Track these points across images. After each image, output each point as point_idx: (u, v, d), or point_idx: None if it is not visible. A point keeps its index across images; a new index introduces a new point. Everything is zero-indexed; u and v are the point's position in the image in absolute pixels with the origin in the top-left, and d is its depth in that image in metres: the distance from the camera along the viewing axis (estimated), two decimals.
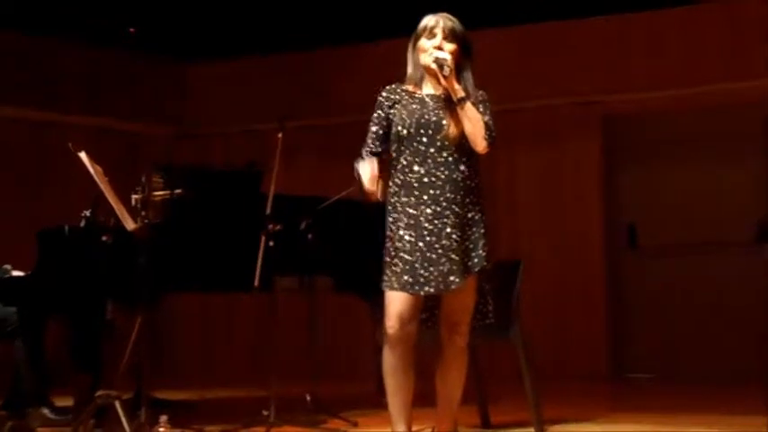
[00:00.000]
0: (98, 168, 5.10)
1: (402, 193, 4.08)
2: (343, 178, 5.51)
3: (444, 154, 4.06)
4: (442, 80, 4.05)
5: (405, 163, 4.08)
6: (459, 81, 4.07)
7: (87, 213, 5.59)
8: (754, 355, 7.12)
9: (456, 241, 4.03)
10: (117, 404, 4.79)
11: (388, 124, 4.14)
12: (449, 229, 4.03)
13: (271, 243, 5.19)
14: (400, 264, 4.03)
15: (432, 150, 4.06)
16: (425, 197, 4.04)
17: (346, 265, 5.93)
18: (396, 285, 4.02)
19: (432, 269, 4.00)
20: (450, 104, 4.06)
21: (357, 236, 5.92)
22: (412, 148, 4.07)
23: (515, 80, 8.21)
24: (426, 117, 4.08)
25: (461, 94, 4.04)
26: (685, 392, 7.07)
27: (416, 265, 4.00)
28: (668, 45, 7.99)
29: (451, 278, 4.01)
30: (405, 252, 4.03)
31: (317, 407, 5.58)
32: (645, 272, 8.21)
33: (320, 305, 6.57)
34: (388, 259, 4.08)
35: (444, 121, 4.05)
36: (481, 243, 4.09)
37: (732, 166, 7.94)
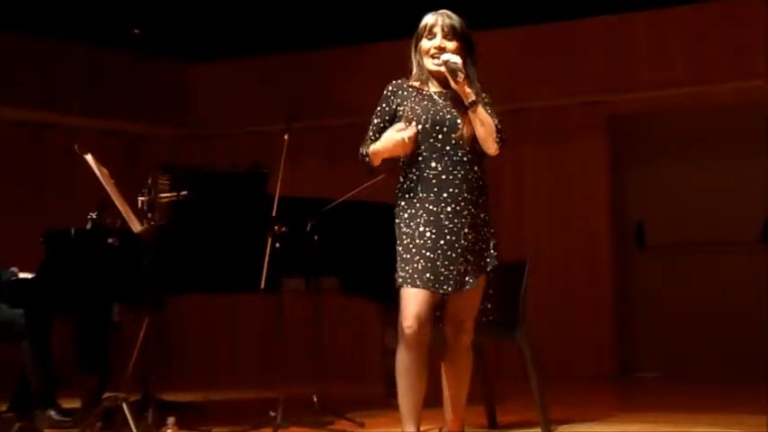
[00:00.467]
0: (104, 171, 5.09)
1: (420, 188, 4.04)
2: (346, 180, 5.54)
3: (460, 153, 4.04)
4: (454, 85, 4.02)
5: (421, 158, 4.04)
6: (468, 82, 4.03)
7: (93, 215, 5.60)
8: (762, 354, 7.10)
9: (471, 242, 4.04)
10: (124, 406, 4.79)
11: (391, 118, 4.11)
12: (466, 230, 4.02)
13: (277, 245, 5.20)
14: (422, 261, 3.98)
15: (448, 148, 4.03)
16: (445, 194, 4.01)
17: (352, 267, 5.92)
18: (418, 283, 3.97)
19: (451, 268, 3.99)
20: (459, 104, 4.05)
21: (363, 237, 5.92)
22: (428, 144, 4.04)
23: (522, 81, 8.21)
24: (441, 114, 4.05)
25: (473, 97, 4.02)
26: (692, 392, 7.04)
27: (437, 263, 3.98)
28: (674, 44, 7.97)
29: (467, 278, 4.02)
30: (426, 249, 3.98)
31: (323, 408, 5.58)
32: (652, 271, 8.19)
33: (326, 306, 6.58)
34: (406, 255, 4.02)
35: (459, 121, 4.03)
36: (492, 243, 4.11)
37: (739, 164, 7.92)
